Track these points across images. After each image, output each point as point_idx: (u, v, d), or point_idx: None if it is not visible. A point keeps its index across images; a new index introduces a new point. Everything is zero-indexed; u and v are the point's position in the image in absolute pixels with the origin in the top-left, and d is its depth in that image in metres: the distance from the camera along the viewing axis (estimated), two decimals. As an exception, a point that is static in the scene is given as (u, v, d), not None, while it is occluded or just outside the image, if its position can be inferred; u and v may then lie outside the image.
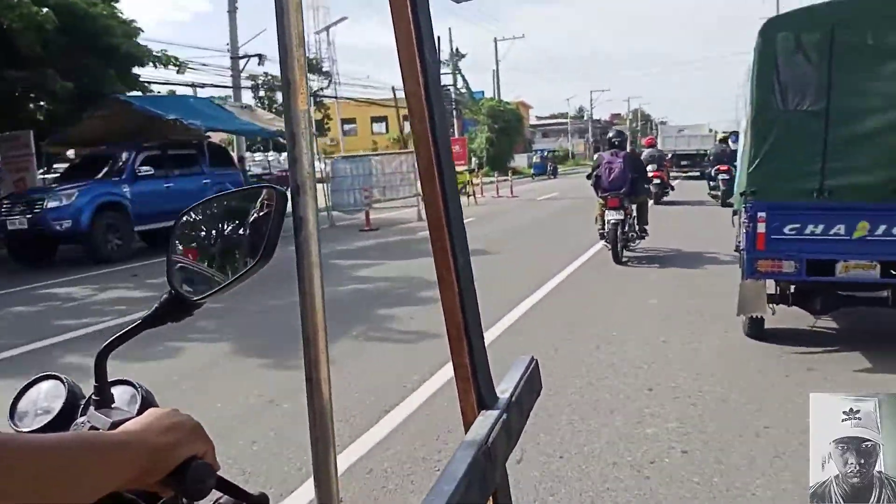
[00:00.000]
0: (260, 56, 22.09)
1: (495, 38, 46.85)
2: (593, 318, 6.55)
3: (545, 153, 43.85)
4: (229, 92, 21.86)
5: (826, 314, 5.66)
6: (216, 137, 17.39)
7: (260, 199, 0.83)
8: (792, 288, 5.40)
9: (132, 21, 16.53)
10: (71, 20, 13.72)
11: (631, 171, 9.64)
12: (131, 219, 12.63)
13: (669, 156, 25.58)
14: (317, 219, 0.68)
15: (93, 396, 0.85)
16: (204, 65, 24.05)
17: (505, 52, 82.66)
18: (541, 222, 16.01)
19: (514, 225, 15.42)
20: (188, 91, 20.57)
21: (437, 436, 3.90)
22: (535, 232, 14.16)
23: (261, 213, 0.82)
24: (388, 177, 19.01)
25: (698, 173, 28.17)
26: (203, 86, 22.28)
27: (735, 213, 7.11)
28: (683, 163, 30.34)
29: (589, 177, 10.18)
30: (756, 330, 5.47)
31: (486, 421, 0.91)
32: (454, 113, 36.21)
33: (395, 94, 42.84)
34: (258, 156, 43.90)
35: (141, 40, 16.10)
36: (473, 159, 33.76)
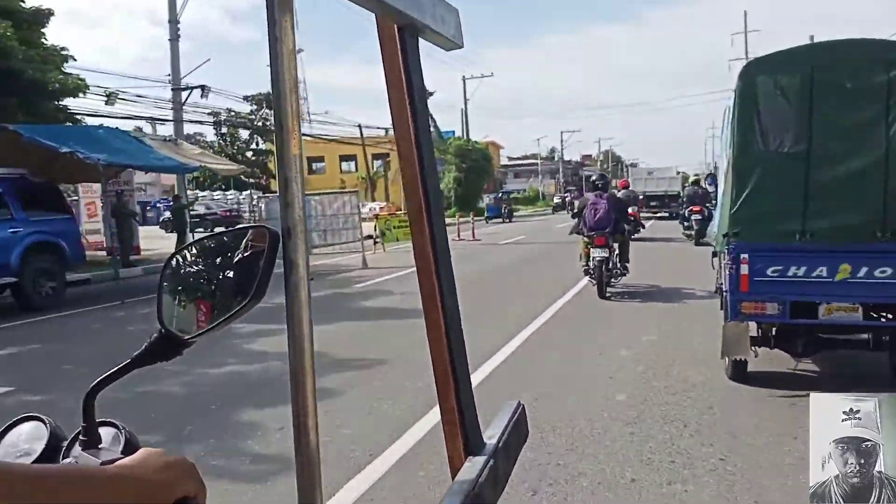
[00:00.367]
0: (203, 87, 21.18)
1: (463, 77, 45.56)
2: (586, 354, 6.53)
3: (500, 195, 42.13)
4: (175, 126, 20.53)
5: (807, 357, 5.62)
6: (167, 179, 16.08)
7: (245, 240, 0.83)
8: (773, 330, 5.35)
9: (62, 49, 15.54)
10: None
11: (614, 211, 10.16)
12: None
13: (641, 196, 26.07)
14: (307, 262, 0.68)
15: (80, 436, 0.83)
16: (139, 96, 22.48)
17: (474, 91, 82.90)
18: (513, 269, 14.45)
19: (485, 270, 13.63)
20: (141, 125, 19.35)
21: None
22: (504, 281, 12.50)
23: (246, 254, 0.82)
24: (328, 219, 17.05)
25: (667, 214, 29.14)
26: (157, 120, 21.35)
27: (715, 254, 7.10)
28: (653, 203, 30.88)
29: (574, 216, 10.45)
30: (739, 373, 5.41)
31: (473, 468, 0.90)
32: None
33: (361, 132, 42.63)
34: (219, 194, 43.00)
35: (93, 73, 15.16)
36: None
